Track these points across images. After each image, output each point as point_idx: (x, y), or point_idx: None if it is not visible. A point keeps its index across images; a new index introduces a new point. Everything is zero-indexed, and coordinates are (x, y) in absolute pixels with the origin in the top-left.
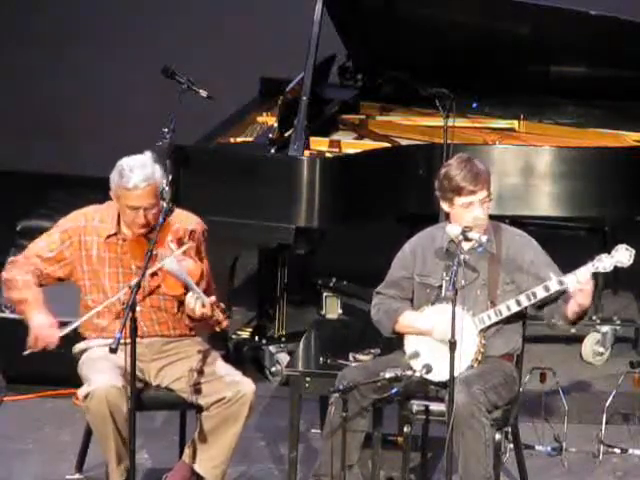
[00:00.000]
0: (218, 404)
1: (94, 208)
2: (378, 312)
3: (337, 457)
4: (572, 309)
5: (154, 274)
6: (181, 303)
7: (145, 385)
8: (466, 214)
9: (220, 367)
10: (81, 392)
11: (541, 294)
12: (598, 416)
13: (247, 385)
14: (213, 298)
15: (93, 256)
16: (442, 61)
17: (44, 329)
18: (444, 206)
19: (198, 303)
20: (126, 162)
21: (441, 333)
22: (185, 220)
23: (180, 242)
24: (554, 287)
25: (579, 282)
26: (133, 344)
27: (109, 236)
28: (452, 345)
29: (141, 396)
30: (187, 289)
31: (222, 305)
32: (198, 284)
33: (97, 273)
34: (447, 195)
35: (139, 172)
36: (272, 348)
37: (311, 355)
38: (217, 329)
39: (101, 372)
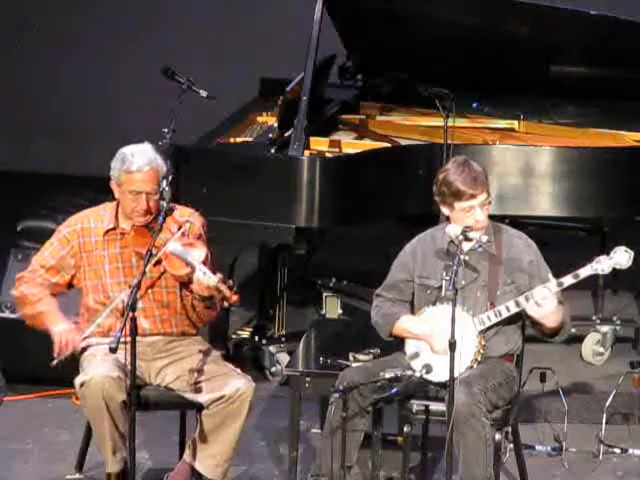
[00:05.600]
0: (218, 402)
1: (89, 210)
2: (377, 315)
3: (336, 457)
4: (541, 327)
5: (157, 263)
6: (185, 287)
7: (144, 384)
8: (467, 218)
9: (220, 365)
10: (77, 381)
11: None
12: (598, 416)
13: (246, 383)
14: (220, 275)
15: (93, 256)
16: (442, 61)
17: (67, 335)
18: (444, 210)
19: (206, 279)
20: (127, 149)
21: (440, 342)
22: (184, 213)
23: (184, 233)
24: (553, 288)
25: (539, 303)
26: (133, 344)
27: (107, 231)
28: (452, 345)
29: (141, 396)
30: (192, 269)
31: (230, 282)
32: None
33: (97, 272)
34: (447, 200)
35: (141, 156)
36: (272, 348)
37: (311, 355)
38: (225, 304)
39: (96, 362)
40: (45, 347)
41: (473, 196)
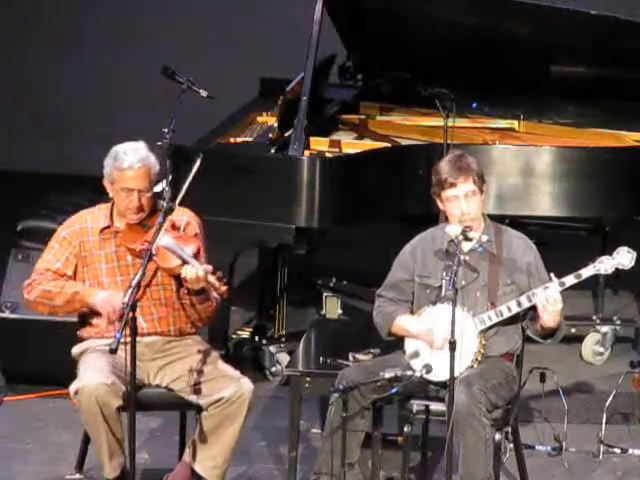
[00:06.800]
0: (217, 404)
1: (86, 211)
2: (377, 315)
3: (337, 457)
4: (538, 326)
5: (150, 257)
6: (181, 285)
7: (143, 385)
8: (453, 209)
9: (219, 367)
10: (71, 388)
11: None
12: (598, 416)
13: (245, 385)
14: (209, 267)
15: (91, 255)
16: (442, 61)
17: (113, 300)
18: (438, 204)
19: (194, 271)
20: (120, 147)
21: (440, 342)
22: (181, 213)
23: (176, 228)
24: (555, 288)
25: (547, 300)
26: (133, 344)
27: (102, 229)
28: (452, 345)
29: (141, 396)
30: (183, 262)
31: (219, 273)
32: (195, 259)
33: (95, 272)
34: (435, 190)
35: (133, 153)
36: (272, 348)
37: (311, 355)
38: (216, 294)
39: (91, 369)
40: (45, 347)
41: (453, 185)
